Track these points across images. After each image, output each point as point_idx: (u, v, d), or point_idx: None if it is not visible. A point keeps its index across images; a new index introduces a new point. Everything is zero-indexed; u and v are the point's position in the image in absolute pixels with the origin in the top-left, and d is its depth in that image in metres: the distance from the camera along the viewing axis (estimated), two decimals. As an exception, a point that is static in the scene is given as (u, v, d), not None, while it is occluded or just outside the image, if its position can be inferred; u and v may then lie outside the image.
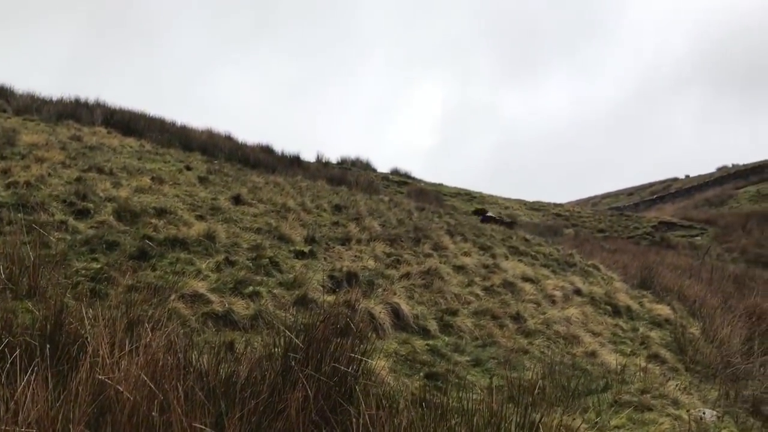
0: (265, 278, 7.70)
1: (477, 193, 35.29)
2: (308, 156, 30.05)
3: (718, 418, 6.28)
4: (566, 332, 9.05)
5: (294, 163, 26.27)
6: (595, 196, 61.14)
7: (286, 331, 4.51)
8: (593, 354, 8.38)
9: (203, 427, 3.44)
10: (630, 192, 59.81)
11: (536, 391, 5.35)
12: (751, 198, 44.37)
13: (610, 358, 8.30)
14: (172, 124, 23.19)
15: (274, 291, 7.37)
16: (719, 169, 55.67)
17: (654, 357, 9.08)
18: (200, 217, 9.58)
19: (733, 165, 55.85)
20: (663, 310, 12.04)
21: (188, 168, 13.91)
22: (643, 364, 8.31)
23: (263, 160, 22.77)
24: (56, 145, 12.51)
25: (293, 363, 4.27)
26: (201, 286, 6.59)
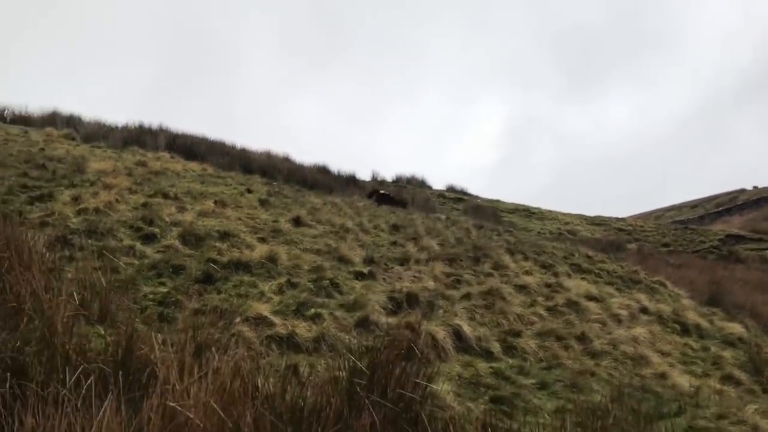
0: (326, 300, 7.73)
1: (535, 208, 34.81)
2: (364, 175, 30.28)
3: (803, 444, 5.96)
4: (634, 353, 8.77)
5: (350, 182, 26.53)
6: (658, 210, 59.50)
7: (350, 356, 4.49)
8: (663, 375, 8.09)
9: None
10: (694, 204, 58.00)
11: (609, 419, 5.17)
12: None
13: (682, 379, 7.99)
14: (233, 147, 23.75)
15: (336, 313, 7.38)
16: (791, 179, 53.38)
17: (728, 378, 8.71)
18: (262, 240, 9.72)
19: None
20: (735, 328, 11.58)
21: (249, 191, 14.17)
22: (718, 386, 7.98)
23: (320, 180, 23.08)
24: (123, 172, 12.93)
25: (358, 388, 4.24)
26: (264, 309, 6.66)
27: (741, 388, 8.36)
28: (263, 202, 13.00)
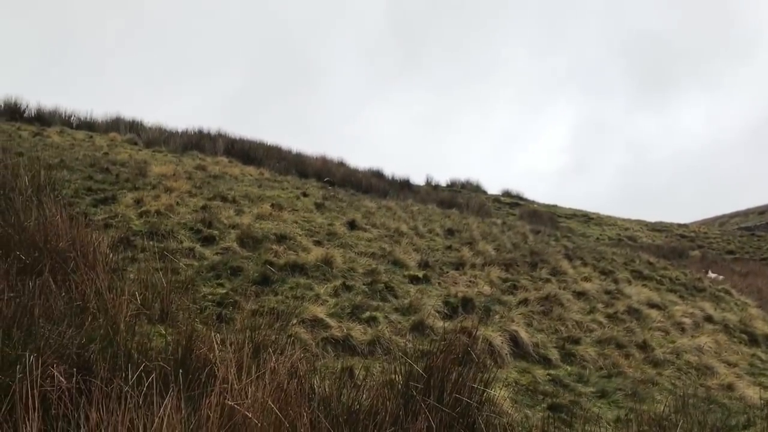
0: (381, 303, 7.72)
1: (594, 213, 34.09)
2: (418, 179, 30.23)
3: None
4: (698, 362, 8.49)
5: (404, 186, 26.49)
6: (723, 216, 57.44)
7: (408, 360, 4.46)
8: (730, 387, 7.79)
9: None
10: (762, 210, 55.72)
11: (675, 430, 5.00)
12: None
13: (750, 391, 7.68)
14: (289, 152, 24.03)
15: (391, 316, 7.37)
16: None
17: (800, 391, 8.32)
18: (318, 243, 9.78)
19: None
20: (807, 339, 11.08)
21: (305, 194, 14.30)
22: (789, 399, 7.62)
23: (375, 184, 23.12)
24: (183, 175, 13.22)
25: (414, 392, 4.21)
26: (320, 311, 6.69)
27: (814, 402, 7.97)
28: (319, 206, 13.09)
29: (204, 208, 10.34)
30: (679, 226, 37.05)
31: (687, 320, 10.48)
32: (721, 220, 53.99)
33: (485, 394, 4.54)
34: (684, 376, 7.92)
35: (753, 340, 10.67)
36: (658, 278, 13.91)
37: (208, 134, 23.57)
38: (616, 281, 12.21)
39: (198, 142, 21.28)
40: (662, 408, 6.07)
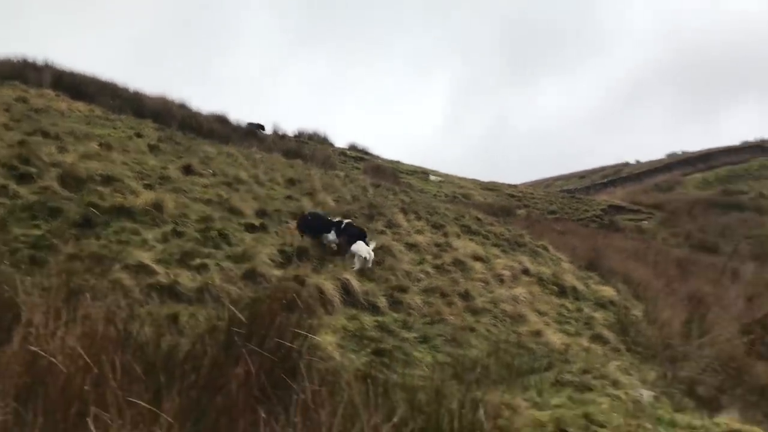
0: (213, 250, 7.57)
1: (433, 171, 35.42)
2: (266, 129, 29.64)
3: (655, 398, 6.45)
4: (513, 311, 9.16)
5: (250, 134, 25.93)
6: (548, 178, 61.91)
7: (230, 306, 4.44)
8: (538, 333, 8.51)
9: (138, 401, 3.36)
10: (582, 175, 60.67)
11: (480, 369, 5.40)
12: (697, 185, 45.67)
13: (555, 337, 8.44)
14: (125, 90, 22.60)
15: (223, 264, 7.25)
16: (669, 156, 57.08)
17: (597, 337, 9.27)
18: (148, 186, 9.36)
19: (683, 152, 57.34)
20: (608, 291, 12.32)
21: (139, 135, 13.58)
22: (586, 344, 8.48)
23: (217, 130, 22.42)
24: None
25: (236, 338, 4.20)
26: (146, 257, 6.45)
27: (608, 347, 8.93)
28: (153, 148, 12.49)
29: (22, 143, 9.50)
30: (509, 186, 39.46)
31: (506, 272, 11.24)
32: (547, 183, 58.13)
33: (309, 339, 4.63)
34: (499, 324, 8.53)
35: (562, 291, 11.66)
36: (485, 233, 14.77)
37: (34, 64, 21.56)
38: (446, 235, 12.81)
39: (21, 72, 19.46)
40: (477, 352, 6.54)
